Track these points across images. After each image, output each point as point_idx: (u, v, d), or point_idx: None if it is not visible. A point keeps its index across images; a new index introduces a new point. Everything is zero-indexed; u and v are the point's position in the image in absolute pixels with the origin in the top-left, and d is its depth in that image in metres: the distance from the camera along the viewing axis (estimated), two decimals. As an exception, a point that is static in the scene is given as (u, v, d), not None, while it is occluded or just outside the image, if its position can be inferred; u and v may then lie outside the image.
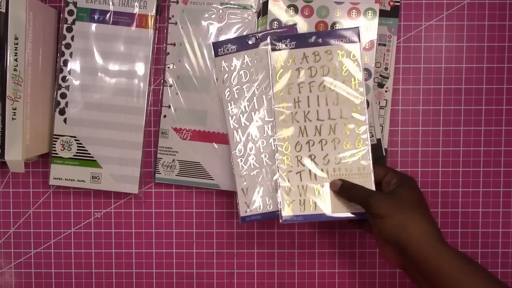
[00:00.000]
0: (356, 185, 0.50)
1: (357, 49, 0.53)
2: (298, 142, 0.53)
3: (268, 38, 0.54)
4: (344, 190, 0.51)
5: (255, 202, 0.55)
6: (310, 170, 0.53)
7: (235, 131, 0.55)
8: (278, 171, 0.53)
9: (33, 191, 0.60)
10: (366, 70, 0.56)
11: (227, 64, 0.56)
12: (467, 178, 0.59)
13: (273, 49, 0.54)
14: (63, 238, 0.61)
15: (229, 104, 0.56)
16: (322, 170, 0.53)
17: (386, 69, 0.58)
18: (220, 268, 0.61)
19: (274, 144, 0.54)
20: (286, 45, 0.53)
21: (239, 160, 0.55)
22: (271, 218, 0.54)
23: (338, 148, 0.53)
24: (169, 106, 0.58)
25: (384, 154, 0.58)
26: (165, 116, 0.58)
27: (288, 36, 0.54)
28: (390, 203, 0.46)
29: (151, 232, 0.61)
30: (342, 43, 0.53)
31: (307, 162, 0.53)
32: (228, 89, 0.56)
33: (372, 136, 0.57)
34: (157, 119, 0.59)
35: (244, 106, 0.55)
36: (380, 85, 0.58)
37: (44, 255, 0.61)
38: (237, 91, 0.55)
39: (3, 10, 0.50)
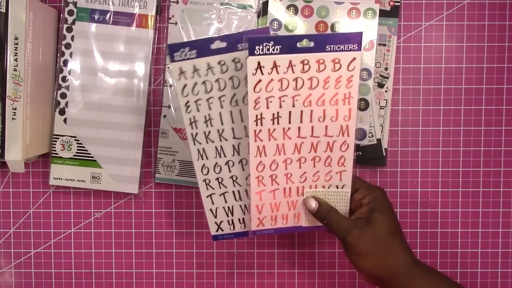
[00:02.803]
0: (332, 214, 0.48)
1: (357, 58, 0.44)
2: (274, 161, 0.47)
3: (245, 40, 0.43)
4: (320, 215, 0.48)
5: (227, 222, 0.51)
6: (284, 188, 0.48)
7: (198, 149, 0.48)
8: (250, 191, 0.48)
9: (33, 191, 0.60)
10: (366, 70, 0.56)
11: (185, 71, 0.45)
12: (467, 178, 0.59)
13: (251, 53, 0.43)
14: (63, 238, 0.61)
15: (189, 119, 0.47)
16: (298, 188, 0.48)
17: (386, 69, 0.58)
18: (220, 268, 0.61)
19: (246, 161, 0.48)
20: (268, 49, 0.43)
21: (204, 181, 0.49)
22: (245, 236, 0.52)
23: (318, 166, 0.48)
24: (169, 106, 0.58)
25: (384, 154, 0.58)
26: (165, 116, 0.58)
27: (272, 38, 0.43)
28: (368, 240, 0.45)
29: (151, 232, 0.61)
30: (339, 50, 0.44)
31: (282, 181, 0.48)
32: (187, 101, 0.46)
33: (372, 136, 0.57)
34: (157, 119, 0.59)
35: (208, 122, 0.47)
36: (380, 85, 0.58)
37: (44, 255, 0.61)
38: (199, 104, 0.46)
39: (3, 10, 0.50)
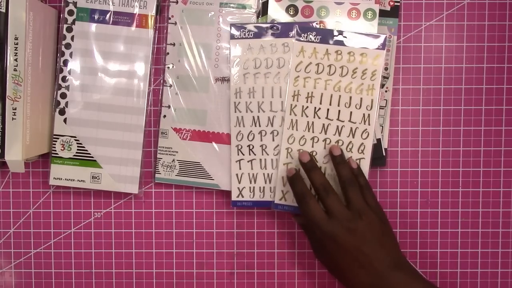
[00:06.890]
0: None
1: (381, 56, 0.53)
2: (303, 137, 0.54)
3: (295, 28, 0.54)
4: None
5: (248, 189, 0.56)
6: None
7: (237, 117, 0.56)
8: (279, 161, 0.55)
9: (33, 191, 0.60)
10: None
11: (241, 48, 0.55)
12: (467, 178, 0.59)
13: (298, 40, 0.54)
14: (63, 238, 0.61)
15: (235, 88, 0.55)
16: (320, 168, 0.54)
17: (386, 69, 0.58)
18: (220, 268, 0.61)
19: (277, 132, 0.55)
20: (311, 37, 0.54)
21: (236, 146, 0.56)
22: (261, 207, 0.57)
23: None
24: (169, 106, 0.58)
25: (384, 154, 0.58)
26: (165, 116, 0.58)
27: (315, 29, 0.54)
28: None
29: (151, 232, 0.61)
30: (367, 47, 0.53)
31: None
32: (237, 73, 0.55)
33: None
34: (157, 119, 0.59)
35: (251, 94, 0.55)
36: (380, 85, 0.58)
37: (44, 255, 0.61)
38: (247, 77, 0.55)
39: (3, 10, 0.50)
